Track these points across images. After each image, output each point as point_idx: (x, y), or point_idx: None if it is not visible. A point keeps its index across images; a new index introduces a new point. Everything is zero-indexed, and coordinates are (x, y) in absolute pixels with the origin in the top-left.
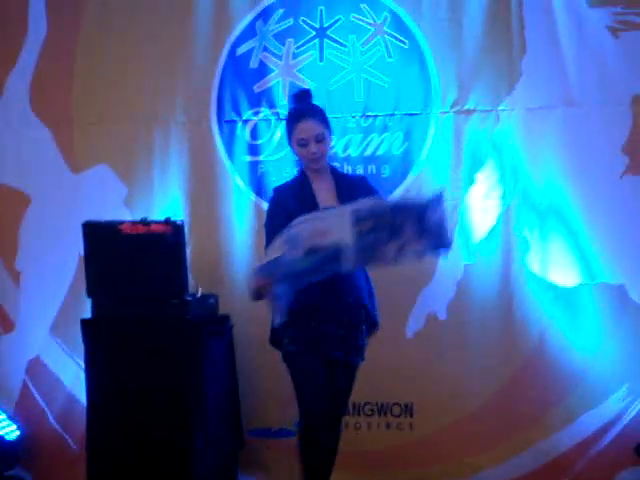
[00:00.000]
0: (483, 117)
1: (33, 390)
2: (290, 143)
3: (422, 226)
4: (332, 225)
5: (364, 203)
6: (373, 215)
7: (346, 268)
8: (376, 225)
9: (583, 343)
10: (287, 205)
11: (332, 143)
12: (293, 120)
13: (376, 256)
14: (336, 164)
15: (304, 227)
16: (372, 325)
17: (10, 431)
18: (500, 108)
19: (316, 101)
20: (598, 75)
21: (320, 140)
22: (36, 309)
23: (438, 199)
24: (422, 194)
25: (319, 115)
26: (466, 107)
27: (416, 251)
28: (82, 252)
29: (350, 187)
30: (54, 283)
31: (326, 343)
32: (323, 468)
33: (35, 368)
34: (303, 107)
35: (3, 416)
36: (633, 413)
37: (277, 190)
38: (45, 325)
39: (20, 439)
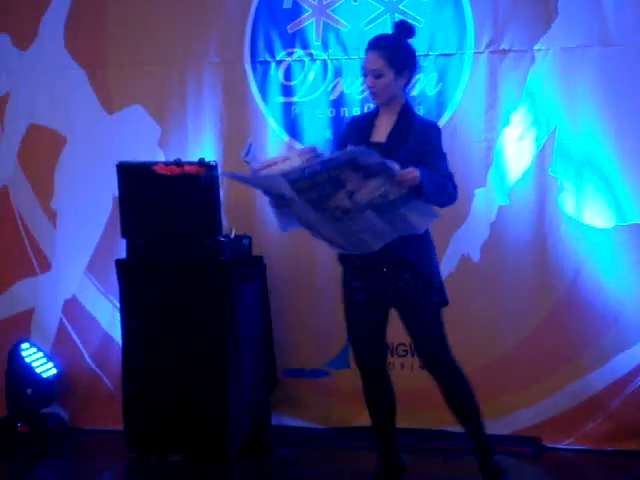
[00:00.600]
0: (518, 57)
1: (70, 329)
2: None
3: (362, 171)
4: (274, 186)
5: (292, 167)
6: (305, 176)
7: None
8: (314, 182)
9: (617, 284)
10: (349, 133)
11: (403, 81)
12: (365, 50)
13: (329, 205)
14: (370, 105)
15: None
16: (426, 283)
17: (47, 369)
18: (536, 48)
19: (349, 41)
20: (636, 14)
21: (377, 76)
22: (72, 249)
23: (364, 151)
24: (346, 149)
25: (385, 50)
26: (501, 47)
27: (382, 195)
28: (117, 193)
29: (406, 130)
30: (90, 223)
31: (369, 292)
32: (386, 415)
33: (72, 308)
34: (376, 38)
35: (40, 354)
36: None
37: (350, 119)
38: (81, 265)
39: (57, 377)
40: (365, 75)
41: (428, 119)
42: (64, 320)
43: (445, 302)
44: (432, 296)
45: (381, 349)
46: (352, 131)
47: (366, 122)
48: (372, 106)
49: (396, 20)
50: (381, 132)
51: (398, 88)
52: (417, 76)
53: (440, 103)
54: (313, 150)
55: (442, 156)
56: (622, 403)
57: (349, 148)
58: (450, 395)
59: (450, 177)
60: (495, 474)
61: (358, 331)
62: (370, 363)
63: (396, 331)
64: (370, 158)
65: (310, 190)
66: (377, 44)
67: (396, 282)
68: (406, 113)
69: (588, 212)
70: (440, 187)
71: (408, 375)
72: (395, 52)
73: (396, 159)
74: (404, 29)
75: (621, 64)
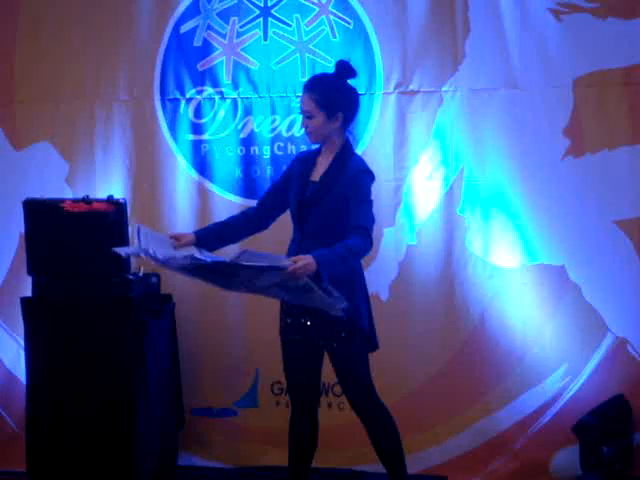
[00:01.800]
0: (427, 98)
1: None
2: None
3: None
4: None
5: (184, 260)
6: (194, 267)
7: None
8: (208, 270)
9: (522, 324)
10: (294, 169)
11: (336, 123)
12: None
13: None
14: (280, 144)
15: None
16: (354, 330)
17: None
18: (444, 89)
19: (259, 80)
20: (540, 58)
21: (308, 117)
22: None
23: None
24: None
25: (317, 93)
26: (410, 88)
27: (281, 284)
28: (23, 230)
29: (338, 172)
30: None
31: (302, 331)
32: (304, 455)
33: None
34: (311, 79)
35: None
36: (571, 393)
37: (297, 154)
38: None
39: None
40: (301, 114)
41: (362, 164)
42: None
43: (374, 347)
44: (359, 342)
45: (316, 387)
46: (296, 167)
47: (309, 159)
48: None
49: (337, 60)
50: (318, 171)
51: (331, 129)
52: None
53: None
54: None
55: (366, 202)
56: (527, 442)
57: (229, 259)
58: (376, 436)
59: (365, 228)
60: None
61: (294, 366)
62: (304, 400)
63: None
64: (257, 263)
65: (199, 270)
66: (310, 86)
67: (324, 328)
68: (342, 155)
69: (495, 252)
70: (341, 262)
71: (326, 414)
72: (327, 94)
73: (325, 200)
74: (344, 70)
75: (526, 106)
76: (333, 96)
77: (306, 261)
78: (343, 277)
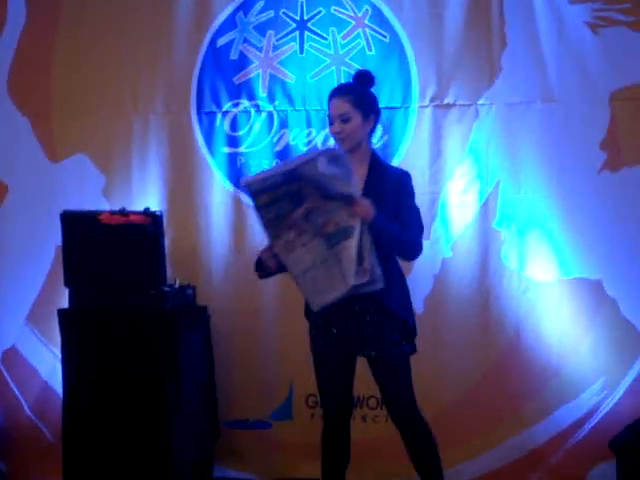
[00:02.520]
0: (462, 111)
1: (8, 380)
2: None
3: (322, 190)
4: None
5: (255, 176)
6: (266, 187)
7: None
8: (274, 197)
9: (558, 338)
10: None
11: (369, 126)
12: (328, 98)
13: (284, 226)
14: None
15: None
16: (406, 331)
17: None
18: (479, 103)
19: (295, 93)
20: (577, 71)
21: (345, 120)
22: (12, 298)
23: (331, 150)
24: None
25: (352, 95)
26: (445, 101)
27: (335, 220)
28: (59, 242)
29: (382, 179)
30: (30, 273)
31: (348, 340)
32: (338, 468)
33: (10, 358)
34: (339, 86)
35: None
36: (608, 407)
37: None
38: (21, 315)
39: None
40: (331, 123)
41: (399, 168)
42: (2, 370)
43: (414, 350)
44: (407, 345)
45: (349, 400)
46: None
47: None
48: None
49: (357, 70)
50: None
51: (365, 133)
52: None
53: (385, 156)
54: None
55: (416, 208)
56: (563, 457)
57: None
58: (416, 450)
59: (415, 230)
60: None
61: (328, 380)
62: (337, 413)
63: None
64: (334, 165)
65: (269, 207)
66: (340, 90)
67: (377, 331)
68: (376, 163)
69: (531, 266)
70: (393, 235)
71: (360, 427)
72: (360, 96)
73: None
74: (364, 78)
75: (563, 120)
76: (365, 98)
77: (370, 206)
78: (397, 279)
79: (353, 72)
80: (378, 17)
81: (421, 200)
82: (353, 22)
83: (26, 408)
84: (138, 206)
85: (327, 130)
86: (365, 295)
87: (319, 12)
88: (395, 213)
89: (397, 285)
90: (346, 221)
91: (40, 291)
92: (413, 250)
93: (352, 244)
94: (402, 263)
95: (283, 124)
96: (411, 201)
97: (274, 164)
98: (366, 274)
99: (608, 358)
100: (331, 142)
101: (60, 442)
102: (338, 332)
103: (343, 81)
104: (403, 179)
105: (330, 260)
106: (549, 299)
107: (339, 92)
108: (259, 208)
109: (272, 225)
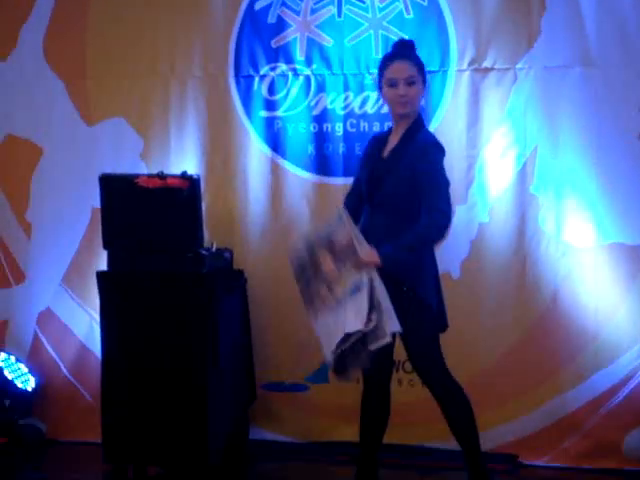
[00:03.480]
0: (500, 75)
1: (45, 341)
2: (379, 87)
3: (334, 251)
4: None
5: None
6: (297, 258)
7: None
8: (301, 269)
9: (595, 303)
10: (366, 153)
11: (422, 94)
12: (386, 60)
13: (314, 291)
14: (352, 120)
15: None
16: (422, 309)
17: (25, 380)
18: (518, 66)
19: (332, 57)
20: (616, 36)
21: (411, 83)
22: (47, 261)
23: (338, 217)
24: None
25: (415, 60)
26: (484, 65)
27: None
28: (95, 204)
29: (406, 145)
30: (66, 235)
31: None
32: (376, 430)
33: (46, 319)
34: (401, 48)
35: (18, 365)
36: None
37: (371, 137)
38: (56, 277)
39: (35, 389)
40: (393, 84)
41: (432, 137)
42: (38, 332)
43: (444, 327)
44: (428, 325)
45: (390, 361)
46: (370, 147)
47: (381, 139)
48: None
49: (406, 39)
50: (389, 148)
51: (420, 99)
52: None
53: (423, 119)
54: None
55: (441, 183)
56: (598, 422)
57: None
58: (450, 414)
59: (440, 211)
60: None
61: None
62: (376, 377)
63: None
64: (340, 231)
65: (300, 278)
66: (406, 53)
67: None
68: (413, 129)
69: (568, 231)
70: (409, 253)
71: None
72: (420, 62)
73: (393, 172)
74: (411, 45)
75: (602, 85)
76: (423, 64)
77: (374, 257)
78: (426, 267)
79: (393, 36)
80: None
81: (458, 164)
82: None
83: (63, 369)
84: (176, 169)
85: (365, 94)
86: (397, 276)
87: None
88: (413, 178)
89: (416, 267)
90: (356, 278)
91: (75, 253)
92: (438, 237)
93: (364, 296)
94: None
95: (320, 88)
96: (436, 173)
97: (311, 128)
98: (369, 324)
99: None
100: (368, 106)
101: (98, 402)
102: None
103: (381, 45)
104: (429, 149)
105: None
106: (586, 264)
107: (404, 55)
108: (296, 281)
109: (305, 294)
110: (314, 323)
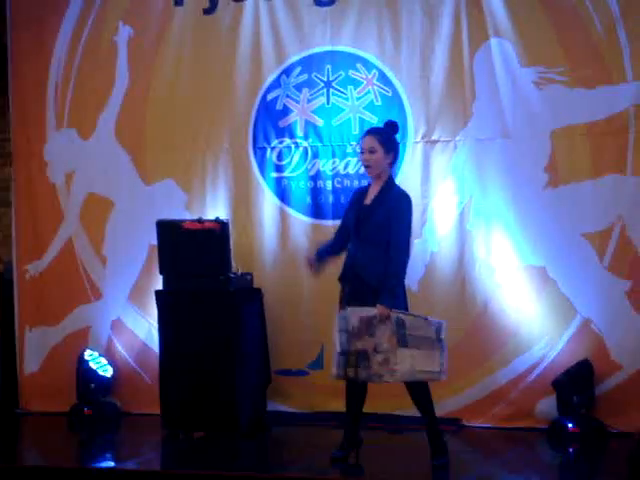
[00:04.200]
0: (444, 145)
1: (116, 342)
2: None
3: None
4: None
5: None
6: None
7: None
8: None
9: (516, 308)
10: (351, 202)
11: (389, 160)
12: (360, 137)
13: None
14: (338, 179)
15: None
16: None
17: (105, 369)
18: (457, 139)
19: (324, 134)
20: (526, 116)
21: (371, 151)
22: (117, 284)
23: (342, 317)
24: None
25: (378, 135)
26: (432, 138)
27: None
28: (152, 242)
29: (385, 196)
30: (131, 264)
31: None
32: (358, 403)
33: (117, 326)
34: (371, 128)
35: (100, 359)
36: (551, 358)
37: (355, 189)
38: (124, 295)
39: (112, 375)
40: (362, 153)
41: (403, 191)
42: (112, 335)
43: None
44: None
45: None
46: (353, 199)
47: (363, 192)
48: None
49: (388, 119)
50: (369, 197)
51: (385, 164)
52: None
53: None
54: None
55: (405, 226)
56: (518, 394)
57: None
58: (413, 390)
59: (398, 245)
60: (443, 447)
61: None
62: None
63: None
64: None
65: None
66: (372, 130)
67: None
68: (388, 185)
69: (495, 256)
70: (398, 283)
71: None
72: (385, 136)
73: (375, 215)
74: (392, 126)
75: (517, 151)
76: (388, 138)
77: (383, 311)
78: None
79: (367, 118)
80: (383, 78)
81: (415, 209)
82: (365, 82)
83: (131, 361)
84: (211, 216)
85: (347, 159)
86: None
87: (340, 75)
88: (387, 222)
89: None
90: (391, 326)
91: (137, 278)
92: (404, 264)
93: (409, 318)
94: None
95: (315, 155)
96: (403, 216)
97: (308, 185)
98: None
99: (551, 322)
100: (350, 168)
101: (157, 385)
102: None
103: (358, 124)
104: (400, 199)
105: (414, 352)
106: (509, 281)
107: (370, 132)
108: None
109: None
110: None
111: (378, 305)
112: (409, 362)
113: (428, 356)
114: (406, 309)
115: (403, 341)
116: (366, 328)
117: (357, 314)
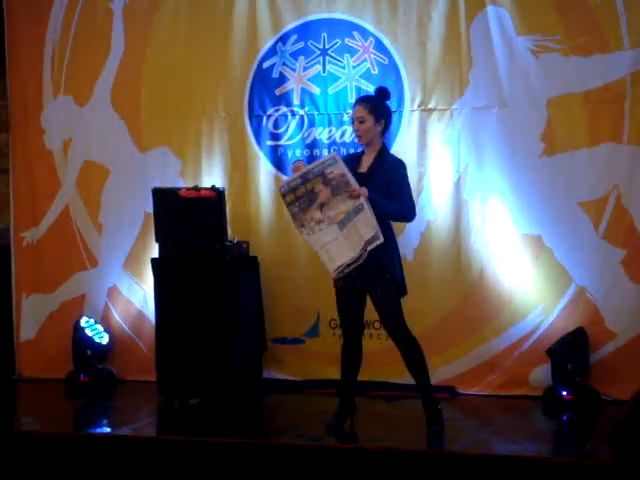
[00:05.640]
0: (441, 114)
1: (112, 309)
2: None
3: (330, 186)
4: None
5: (283, 181)
6: (290, 188)
7: None
8: (296, 196)
9: (511, 277)
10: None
11: (380, 127)
12: (353, 104)
13: (307, 218)
14: (334, 147)
15: None
16: (396, 285)
17: (101, 336)
18: (453, 107)
19: (320, 102)
20: (523, 84)
21: (361, 121)
22: (113, 251)
23: (332, 158)
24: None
25: (367, 104)
26: (429, 106)
27: (344, 210)
28: (147, 210)
29: (380, 164)
30: (127, 232)
31: (352, 281)
32: (353, 371)
33: (113, 293)
34: (361, 96)
35: (96, 326)
36: (546, 326)
37: (344, 156)
38: (120, 263)
39: (108, 342)
40: (352, 122)
41: (399, 158)
42: (108, 302)
43: (404, 293)
44: (394, 290)
45: (361, 323)
46: (346, 163)
47: (355, 158)
48: (350, 151)
49: (378, 85)
50: (364, 165)
51: (376, 133)
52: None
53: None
54: (301, 162)
55: (406, 186)
56: (513, 362)
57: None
58: (408, 357)
59: (406, 204)
60: (438, 415)
61: (344, 309)
62: (352, 332)
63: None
64: (336, 169)
65: (294, 203)
66: (362, 99)
67: (368, 281)
68: (382, 153)
69: (490, 226)
70: (385, 206)
71: (368, 342)
72: (375, 105)
73: (373, 183)
74: (383, 92)
75: (513, 119)
76: (378, 107)
77: (363, 190)
78: (385, 243)
79: (363, 87)
80: (380, 46)
81: (412, 178)
82: (361, 50)
83: (126, 329)
84: (206, 184)
85: (343, 128)
86: (369, 258)
87: (336, 43)
88: (388, 190)
89: (387, 251)
90: (353, 205)
91: (133, 245)
92: (407, 214)
93: (367, 214)
94: (398, 225)
95: (311, 124)
96: (404, 181)
97: (304, 153)
98: (375, 229)
99: (546, 290)
100: (346, 137)
101: (152, 352)
102: (354, 274)
103: (354, 93)
104: (397, 166)
105: (341, 237)
106: (503, 250)
107: (359, 101)
108: (288, 205)
109: (298, 217)
110: (307, 239)
111: (363, 187)
112: (328, 238)
113: (344, 246)
114: (401, 274)
115: (343, 223)
116: (336, 185)
117: (341, 168)
